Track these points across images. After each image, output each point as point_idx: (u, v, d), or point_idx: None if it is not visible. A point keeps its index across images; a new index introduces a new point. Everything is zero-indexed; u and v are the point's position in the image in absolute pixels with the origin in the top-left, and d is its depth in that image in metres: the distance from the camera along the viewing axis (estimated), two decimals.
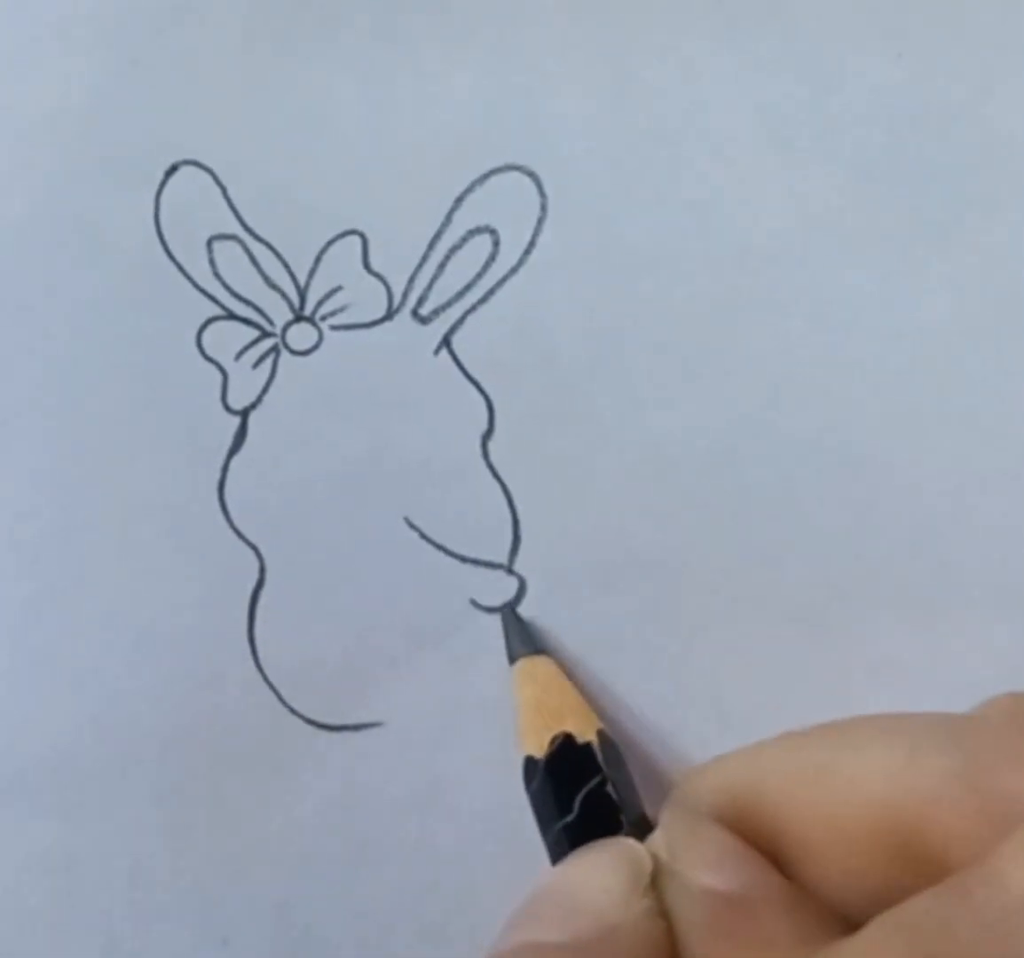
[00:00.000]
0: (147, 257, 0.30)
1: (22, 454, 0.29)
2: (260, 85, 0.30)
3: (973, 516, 0.27)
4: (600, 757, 0.26)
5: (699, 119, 0.28)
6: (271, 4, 0.30)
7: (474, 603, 0.28)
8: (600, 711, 0.27)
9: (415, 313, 0.29)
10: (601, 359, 0.28)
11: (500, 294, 0.29)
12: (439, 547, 0.28)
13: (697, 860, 0.21)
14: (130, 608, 0.29)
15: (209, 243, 0.29)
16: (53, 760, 0.29)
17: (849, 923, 0.19)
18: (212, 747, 0.28)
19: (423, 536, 0.28)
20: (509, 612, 0.28)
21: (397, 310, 0.29)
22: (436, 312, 0.29)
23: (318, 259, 0.29)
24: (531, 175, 0.29)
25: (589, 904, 0.22)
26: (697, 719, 0.27)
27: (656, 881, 0.22)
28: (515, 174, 0.29)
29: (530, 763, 0.26)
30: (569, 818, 0.25)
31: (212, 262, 0.29)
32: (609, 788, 0.25)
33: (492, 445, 0.28)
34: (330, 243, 0.29)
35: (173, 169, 0.30)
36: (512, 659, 0.28)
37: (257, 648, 0.29)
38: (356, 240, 0.29)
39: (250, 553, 0.29)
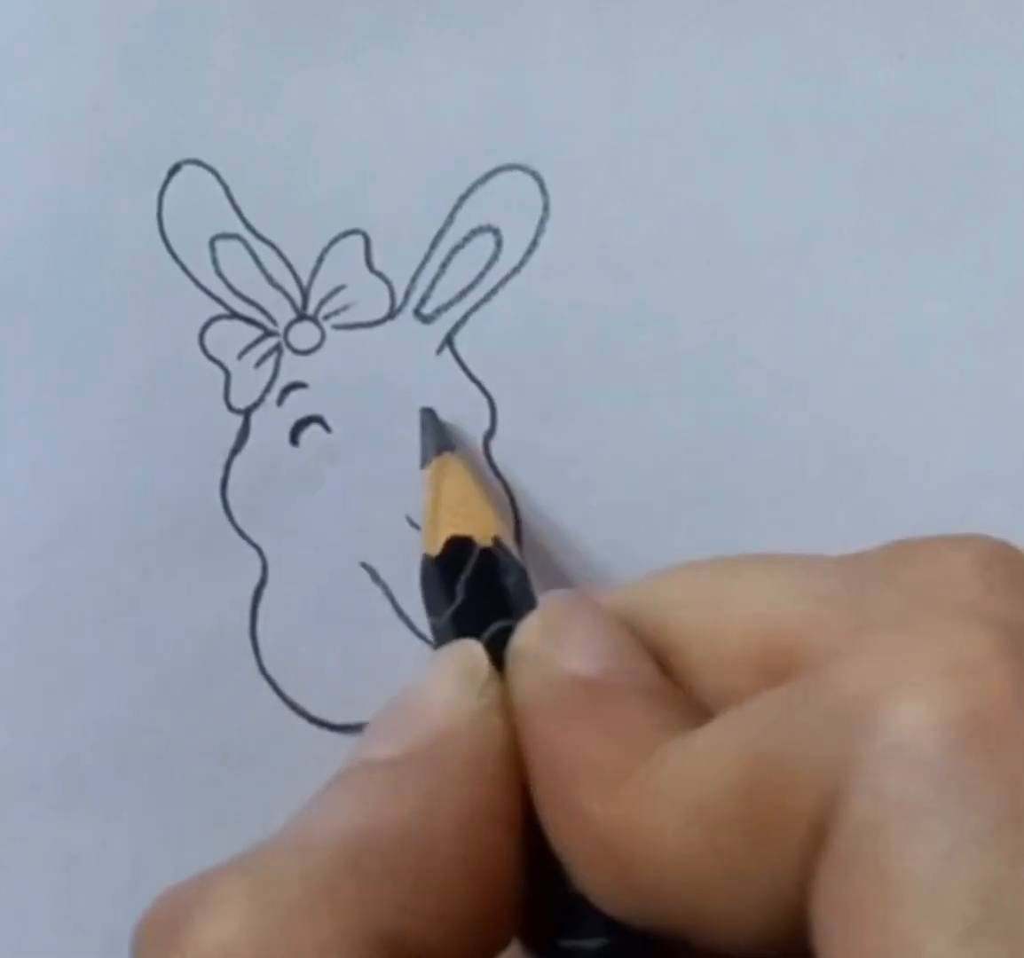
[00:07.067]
0: (150, 256, 0.30)
1: (24, 453, 0.29)
2: (262, 84, 0.30)
3: (973, 516, 0.27)
4: (500, 560, 0.25)
5: (700, 119, 0.28)
6: (272, 4, 0.30)
7: None
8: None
9: (417, 312, 0.29)
10: (603, 358, 0.28)
11: (503, 293, 0.29)
12: None
13: (566, 644, 0.21)
14: (131, 607, 0.29)
15: (212, 242, 0.29)
16: (53, 760, 0.29)
17: None
18: (213, 746, 0.28)
19: None
20: (427, 414, 0.28)
21: (399, 309, 0.29)
22: (438, 311, 0.29)
23: (320, 258, 0.29)
24: (533, 174, 0.29)
25: (423, 713, 0.21)
26: None
27: (510, 678, 0.21)
28: (517, 173, 0.29)
29: (426, 561, 0.25)
30: (456, 604, 0.24)
31: (215, 261, 0.29)
32: (505, 579, 0.24)
33: (494, 444, 0.28)
34: (333, 242, 0.29)
35: (176, 168, 0.30)
36: (425, 462, 0.27)
37: (259, 647, 0.29)
38: (359, 239, 0.29)
39: (252, 552, 0.29)
